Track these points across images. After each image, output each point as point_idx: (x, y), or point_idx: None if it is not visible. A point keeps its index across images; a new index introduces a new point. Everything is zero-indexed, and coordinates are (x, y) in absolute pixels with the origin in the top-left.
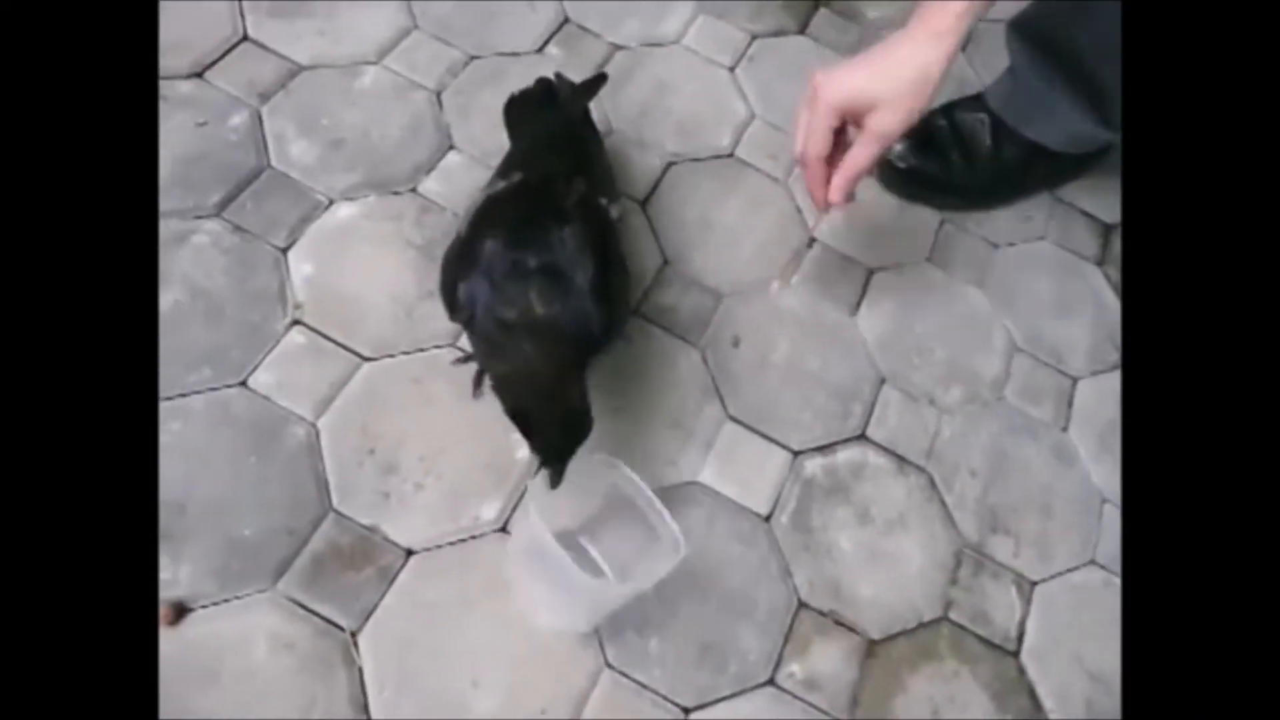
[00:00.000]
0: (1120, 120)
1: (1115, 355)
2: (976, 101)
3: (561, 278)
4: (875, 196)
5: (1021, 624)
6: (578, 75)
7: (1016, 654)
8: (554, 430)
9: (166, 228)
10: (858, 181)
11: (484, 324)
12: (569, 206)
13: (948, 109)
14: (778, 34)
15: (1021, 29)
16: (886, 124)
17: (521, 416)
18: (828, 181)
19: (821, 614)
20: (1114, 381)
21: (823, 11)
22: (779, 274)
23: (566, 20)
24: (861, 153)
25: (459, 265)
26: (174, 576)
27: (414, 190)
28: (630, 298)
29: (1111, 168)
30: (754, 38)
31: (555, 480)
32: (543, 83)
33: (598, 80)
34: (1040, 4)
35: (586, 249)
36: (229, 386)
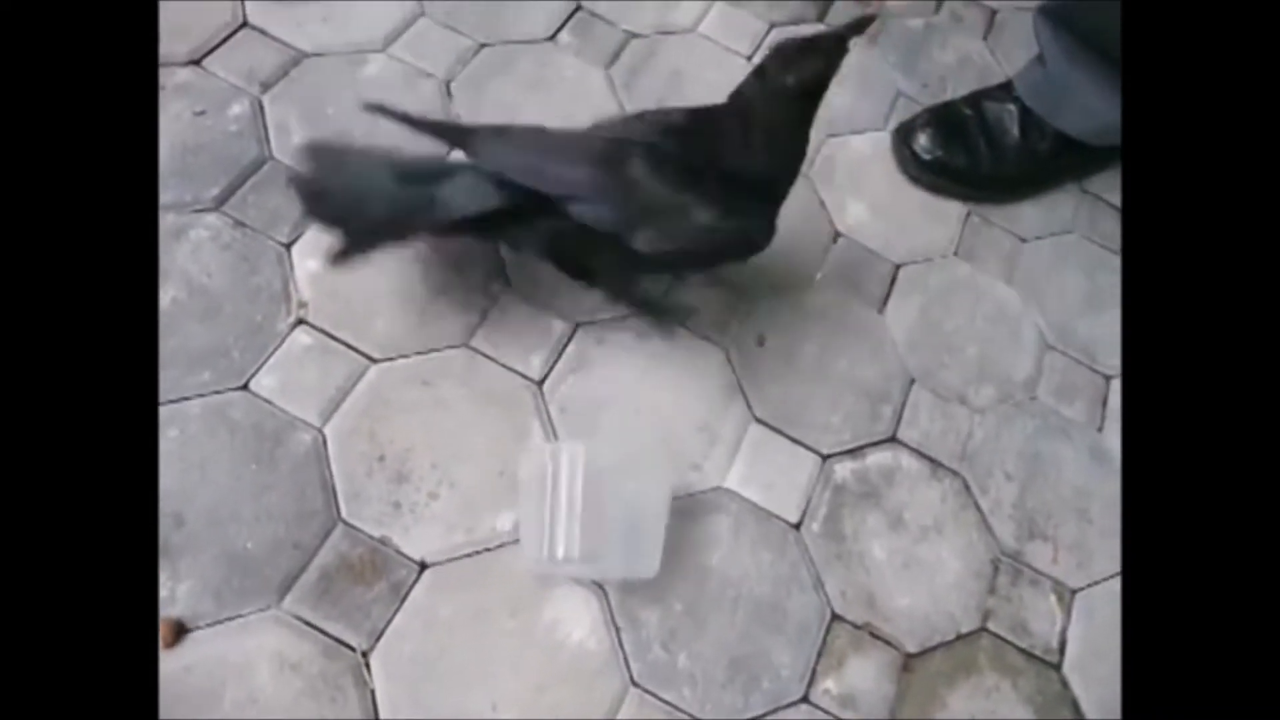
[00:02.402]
0: None
1: None
2: (1004, 90)
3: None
4: (899, 188)
5: (1063, 634)
6: (592, 63)
7: (1058, 666)
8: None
9: (163, 222)
10: None
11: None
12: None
13: (974, 99)
14: (796, 22)
15: (1052, 15)
16: None
17: None
18: None
19: (856, 627)
20: None
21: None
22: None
23: (579, 7)
24: None
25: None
26: (172, 594)
27: None
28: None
29: None
30: (772, 26)
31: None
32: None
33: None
34: None
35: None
36: (229, 390)
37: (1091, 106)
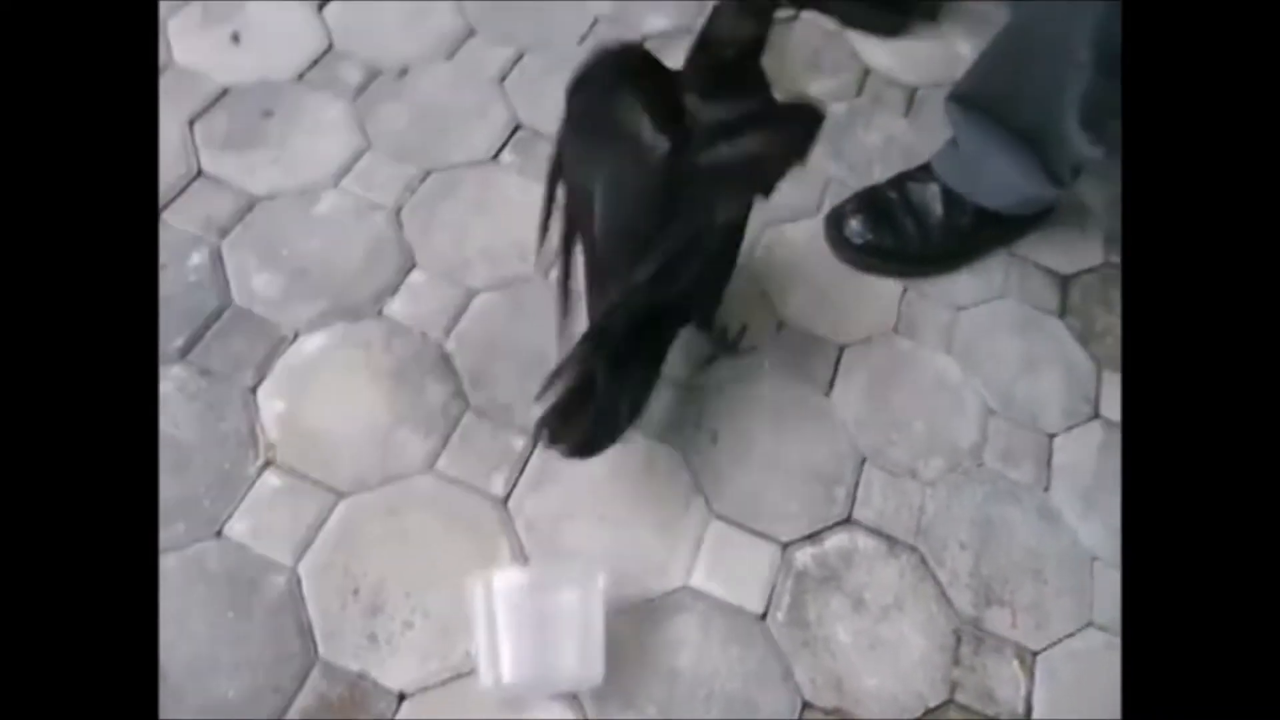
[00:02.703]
0: (1068, 176)
1: (1088, 408)
2: (925, 171)
3: None
4: (836, 270)
5: (1028, 699)
6: (535, 179)
7: None
8: None
9: None
10: None
11: None
12: None
13: (898, 181)
14: None
15: (962, 99)
16: None
17: None
18: None
19: (827, 713)
20: (1090, 434)
21: None
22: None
23: (519, 126)
24: None
25: None
26: None
27: (380, 313)
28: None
29: (1061, 220)
30: None
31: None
32: None
33: None
34: (978, 74)
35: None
36: (203, 540)
37: (1006, 181)
